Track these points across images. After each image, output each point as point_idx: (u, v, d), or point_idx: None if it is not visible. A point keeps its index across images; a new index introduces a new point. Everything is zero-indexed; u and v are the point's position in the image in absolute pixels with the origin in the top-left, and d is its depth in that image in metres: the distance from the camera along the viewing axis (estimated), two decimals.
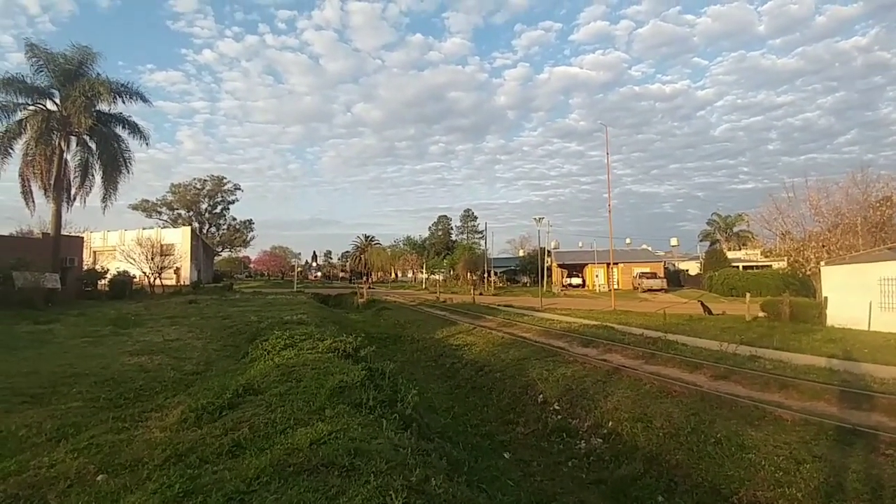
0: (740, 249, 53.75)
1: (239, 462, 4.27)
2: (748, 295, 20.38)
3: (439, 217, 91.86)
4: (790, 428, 6.88)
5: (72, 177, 27.53)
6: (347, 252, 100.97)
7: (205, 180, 69.21)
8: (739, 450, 6.55)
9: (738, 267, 41.54)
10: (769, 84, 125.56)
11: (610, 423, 8.49)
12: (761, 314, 19.13)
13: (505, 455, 7.85)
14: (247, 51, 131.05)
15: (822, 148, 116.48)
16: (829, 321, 16.59)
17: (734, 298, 30.39)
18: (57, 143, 25.94)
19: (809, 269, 23.27)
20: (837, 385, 8.57)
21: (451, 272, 64.63)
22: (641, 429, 7.91)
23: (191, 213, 67.41)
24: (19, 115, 25.89)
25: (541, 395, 10.54)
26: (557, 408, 9.81)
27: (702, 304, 23.30)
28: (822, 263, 19.34)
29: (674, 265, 57.55)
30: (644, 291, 40.87)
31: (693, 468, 6.58)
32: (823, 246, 22.76)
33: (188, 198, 67.18)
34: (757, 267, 40.75)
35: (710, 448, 6.80)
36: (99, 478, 4.41)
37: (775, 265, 36.70)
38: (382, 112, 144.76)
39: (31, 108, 26.18)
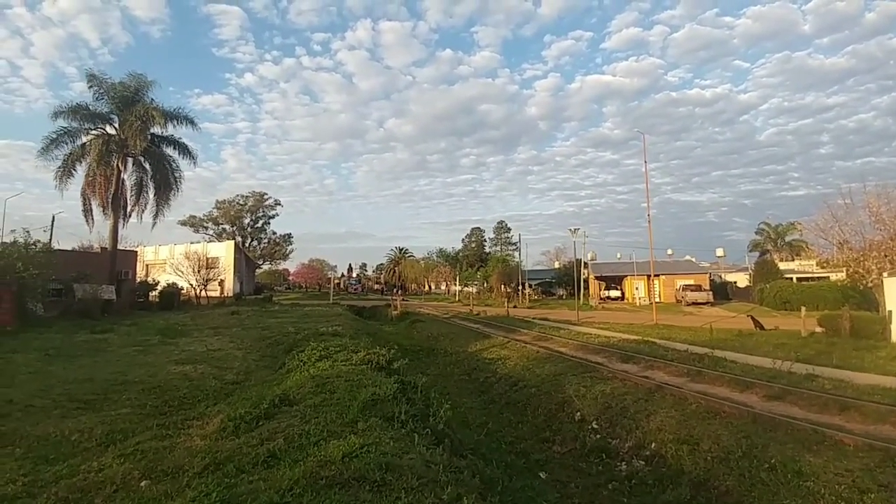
0: (793, 260, 50.75)
1: (274, 473, 4.33)
2: (803, 309, 19.13)
3: (472, 229, 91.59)
4: (852, 454, 6.36)
5: (128, 195, 29.49)
6: (382, 264, 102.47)
7: (247, 196, 72.42)
8: (796, 477, 6.10)
9: (791, 279, 39.17)
10: (818, 85, 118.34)
11: (653, 445, 8.10)
12: (818, 329, 17.93)
13: (541, 475, 7.61)
14: (285, 73, 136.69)
15: (879, 151, 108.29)
16: (894, 337, 15.37)
17: (788, 312, 28.62)
18: (115, 165, 27.82)
19: (871, 281, 21.65)
20: None
21: (485, 284, 64.20)
22: (687, 451, 7.50)
23: (234, 228, 70.44)
24: (82, 139, 28.01)
25: (578, 413, 10.21)
26: (596, 426, 9.46)
27: (752, 318, 22.05)
28: (885, 275, 17.97)
29: (720, 277, 54.86)
30: (688, 305, 39.11)
31: (745, 496, 6.16)
32: (886, 256, 21.16)
33: (232, 213, 70.29)
34: (812, 278, 38.25)
35: (763, 474, 6.36)
36: (142, 484, 4.57)
37: (833, 276, 34.39)
38: (414, 127, 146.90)
39: (94, 132, 28.25)
